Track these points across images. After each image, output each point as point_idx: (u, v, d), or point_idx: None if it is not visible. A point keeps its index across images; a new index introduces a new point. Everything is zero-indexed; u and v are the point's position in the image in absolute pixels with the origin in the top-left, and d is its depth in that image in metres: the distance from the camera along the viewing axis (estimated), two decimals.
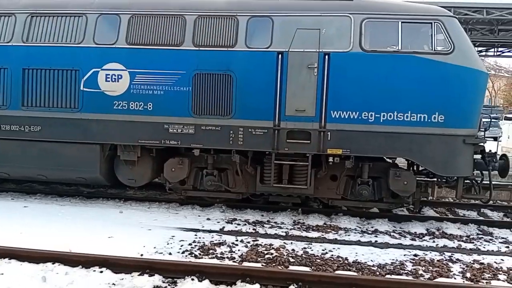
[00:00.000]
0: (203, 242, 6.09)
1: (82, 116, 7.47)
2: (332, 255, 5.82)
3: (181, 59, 7.31)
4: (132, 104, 7.41)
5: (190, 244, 5.97)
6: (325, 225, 7.31)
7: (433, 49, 6.83)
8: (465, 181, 7.31)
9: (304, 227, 7.20)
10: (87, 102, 7.45)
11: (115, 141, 7.58)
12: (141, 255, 5.38)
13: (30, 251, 5.02)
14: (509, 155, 13.43)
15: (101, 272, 4.75)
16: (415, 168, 7.65)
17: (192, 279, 4.64)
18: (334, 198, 7.76)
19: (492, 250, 6.43)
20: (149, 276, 4.69)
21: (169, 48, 7.35)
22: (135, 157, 7.61)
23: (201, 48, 7.29)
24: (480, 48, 16.08)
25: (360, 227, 7.34)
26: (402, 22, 6.90)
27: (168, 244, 5.94)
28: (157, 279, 4.67)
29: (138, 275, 4.71)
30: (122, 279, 4.66)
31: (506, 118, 29.76)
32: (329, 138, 7.04)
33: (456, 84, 6.77)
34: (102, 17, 7.53)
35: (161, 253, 5.59)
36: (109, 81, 7.41)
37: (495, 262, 5.80)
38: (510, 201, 10.18)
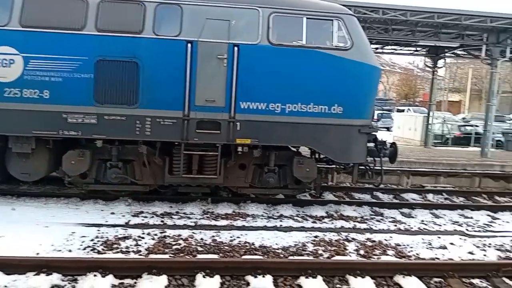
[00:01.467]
0: (107, 237, 5.85)
1: None
2: (240, 241, 5.99)
3: (83, 44, 6.83)
4: (25, 91, 6.77)
5: (92, 240, 5.70)
6: (233, 213, 7.49)
7: (334, 45, 7.27)
8: (360, 167, 7.96)
9: (213, 216, 7.29)
10: None
11: (5, 132, 6.89)
12: (37, 254, 5.01)
13: None
14: (399, 143, 14.86)
15: None
16: (317, 156, 8.14)
17: (95, 275, 4.47)
18: (242, 186, 7.94)
19: (383, 229, 7.14)
20: (46, 275, 4.41)
21: (69, 32, 6.82)
22: (29, 149, 6.98)
23: (105, 34, 6.89)
24: (376, 46, 17.47)
25: (266, 213, 7.65)
26: (307, 18, 7.21)
27: (67, 241, 5.59)
28: (56, 277, 4.41)
29: (34, 275, 4.41)
30: (15, 280, 4.33)
31: (398, 110, 32.95)
32: (238, 128, 7.15)
33: (354, 78, 7.30)
34: None
35: (60, 250, 5.26)
36: None
37: (385, 239, 6.45)
38: (399, 184, 11.33)
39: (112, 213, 7.04)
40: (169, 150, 7.42)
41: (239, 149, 7.40)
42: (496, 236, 6.92)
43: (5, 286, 4.22)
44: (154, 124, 7.00)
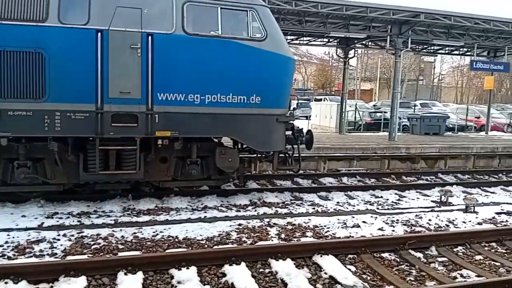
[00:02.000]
0: (18, 241, 5.45)
1: None
2: (163, 235, 5.93)
3: None
4: None
5: (1, 246, 5.29)
6: (156, 208, 7.37)
7: (249, 36, 7.37)
8: (280, 155, 8.25)
9: (135, 212, 7.11)
10: None
11: None
12: None
13: None
14: (317, 131, 15.41)
15: None
16: (239, 146, 8.26)
17: (6, 283, 4.15)
18: (165, 180, 7.81)
19: (302, 212, 7.51)
20: None
21: None
22: None
23: (3, 22, 6.31)
24: (291, 37, 18.06)
25: (191, 206, 7.63)
26: (221, 8, 7.22)
27: None
28: None
29: None
30: None
31: (316, 100, 34.43)
32: (157, 121, 6.99)
33: (269, 68, 7.49)
34: None
35: None
36: None
37: (304, 222, 6.78)
38: (317, 169, 11.94)
39: (23, 216, 6.56)
40: (83, 146, 7.03)
41: (159, 142, 7.25)
42: (403, 213, 7.59)
43: None
44: (65, 118, 6.59)
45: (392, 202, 8.76)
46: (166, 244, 5.59)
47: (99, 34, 6.62)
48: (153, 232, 6.03)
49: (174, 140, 7.33)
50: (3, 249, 5.20)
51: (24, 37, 6.39)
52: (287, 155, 8.34)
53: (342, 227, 6.64)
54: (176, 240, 5.78)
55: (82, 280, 4.37)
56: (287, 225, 6.60)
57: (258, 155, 8.45)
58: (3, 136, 6.47)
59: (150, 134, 7.03)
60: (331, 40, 18.80)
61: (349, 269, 5.08)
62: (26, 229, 5.93)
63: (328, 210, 7.80)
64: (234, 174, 8.16)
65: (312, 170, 11.88)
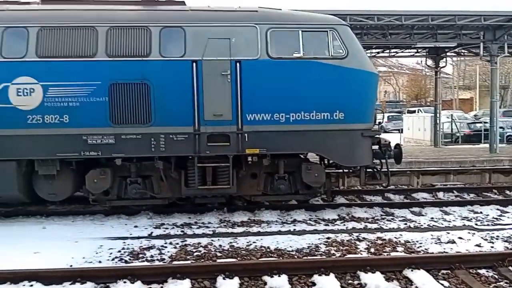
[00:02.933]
0: (132, 248, 6.27)
1: None
2: (256, 246, 6.34)
3: (95, 70, 7.34)
4: (47, 117, 7.29)
5: (119, 251, 6.13)
6: (249, 220, 7.85)
7: (330, 55, 7.66)
8: (367, 169, 8.27)
9: (230, 224, 7.66)
10: None
11: (31, 156, 7.40)
12: (70, 265, 5.44)
13: None
14: (410, 145, 14.93)
15: (31, 286, 4.78)
16: (325, 162, 8.46)
17: (124, 282, 4.86)
18: (255, 194, 8.29)
19: (393, 228, 7.40)
20: (81, 284, 4.83)
21: (82, 60, 7.34)
22: (54, 171, 7.48)
23: (115, 59, 7.40)
24: (377, 50, 17.81)
25: (280, 219, 7.98)
26: (302, 31, 7.63)
27: (97, 253, 6.03)
28: (90, 286, 4.82)
29: (70, 284, 4.82)
30: None
31: (409, 112, 32.94)
32: (246, 139, 7.55)
33: (351, 84, 7.67)
34: (8, 31, 7.31)
35: (91, 262, 5.69)
36: (20, 95, 7.21)
37: (394, 237, 6.72)
38: (409, 184, 11.54)
39: (136, 226, 7.47)
40: (183, 164, 7.83)
41: (249, 159, 7.79)
42: (505, 229, 7.12)
43: None
44: (168, 140, 7.45)
45: (493, 218, 8.20)
46: (259, 254, 5.99)
47: (194, 64, 7.42)
48: (247, 242, 6.48)
49: (263, 157, 7.80)
50: (121, 254, 6.05)
51: (132, 70, 7.41)
52: (375, 169, 8.32)
53: (436, 243, 6.46)
54: (268, 250, 6.15)
55: (187, 282, 4.92)
56: (376, 240, 6.59)
57: (345, 170, 8.55)
58: (118, 156, 7.52)
59: (240, 152, 7.60)
60: (419, 50, 18.14)
61: (442, 284, 4.97)
62: (139, 237, 6.79)
63: (421, 225, 7.57)
64: (321, 189, 8.35)
65: (405, 185, 11.51)
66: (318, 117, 7.60)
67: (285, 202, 8.73)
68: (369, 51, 16.17)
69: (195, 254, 5.99)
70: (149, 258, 5.86)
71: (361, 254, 6.06)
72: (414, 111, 32.28)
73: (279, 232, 7.04)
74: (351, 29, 8.15)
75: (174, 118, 7.46)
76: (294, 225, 7.55)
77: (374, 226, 7.53)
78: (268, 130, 7.56)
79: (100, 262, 5.70)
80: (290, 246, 6.30)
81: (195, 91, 7.44)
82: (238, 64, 7.47)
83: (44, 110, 7.27)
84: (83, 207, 8.71)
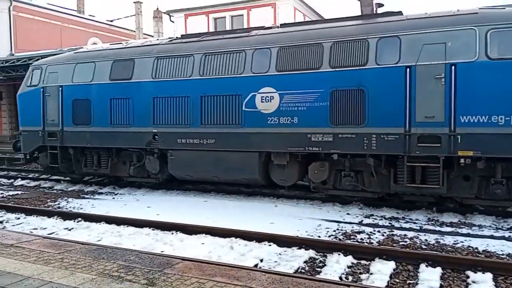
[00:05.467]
0: (345, 230, 7.36)
1: (244, 130, 9.48)
2: (463, 245, 6.50)
3: (320, 80, 8.75)
4: (281, 119, 9.12)
5: (334, 231, 7.31)
6: (459, 222, 7.88)
7: None
8: None
9: (438, 223, 7.87)
10: (247, 119, 9.43)
11: (269, 149, 9.38)
12: (297, 236, 6.91)
13: (220, 229, 6.99)
14: None
15: (270, 245, 6.38)
16: None
17: (339, 254, 5.96)
18: (467, 197, 8.24)
19: None
20: (305, 250, 6.17)
21: (310, 72, 8.87)
22: (285, 161, 9.30)
23: (336, 69, 8.63)
24: None
25: (495, 225, 7.71)
26: None
27: (316, 230, 7.38)
28: (311, 252, 6.11)
29: (297, 249, 6.23)
30: (286, 251, 6.23)
31: None
32: (459, 141, 7.64)
33: None
34: (257, 51, 9.45)
35: (312, 235, 7.05)
36: (263, 101, 9.26)
37: None
38: None
39: (348, 214, 8.56)
40: (393, 162, 8.47)
41: (462, 160, 7.80)
42: None
43: (280, 254, 6.15)
44: (379, 139, 8.23)
45: None
46: (465, 252, 6.17)
47: (407, 69, 7.97)
48: (454, 241, 6.69)
49: (477, 160, 7.70)
50: (335, 233, 7.21)
51: (351, 78, 8.50)
52: None
53: None
54: (476, 250, 6.24)
55: (392, 264, 5.64)
56: None
57: None
58: (335, 152, 8.75)
59: (452, 153, 7.73)
60: None
61: None
62: (350, 223, 7.84)
63: None
64: None
65: None
66: None
67: (502, 208, 8.29)
68: None
69: (401, 243, 6.61)
70: (359, 240, 6.82)
71: None
72: None
73: (492, 237, 6.91)
74: None
75: (386, 120, 8.18)
76: (511, 232, 7.22)
77: None
78: (484, 133, 7.45)
79: (319, 236, 7.00)
80: (501, 251, 6.21)
81: (408, 95, 7.97)
82: (453, 67, 7.63)
83: (280, 113, 9.11)
84: (305, 194, 10.36)
